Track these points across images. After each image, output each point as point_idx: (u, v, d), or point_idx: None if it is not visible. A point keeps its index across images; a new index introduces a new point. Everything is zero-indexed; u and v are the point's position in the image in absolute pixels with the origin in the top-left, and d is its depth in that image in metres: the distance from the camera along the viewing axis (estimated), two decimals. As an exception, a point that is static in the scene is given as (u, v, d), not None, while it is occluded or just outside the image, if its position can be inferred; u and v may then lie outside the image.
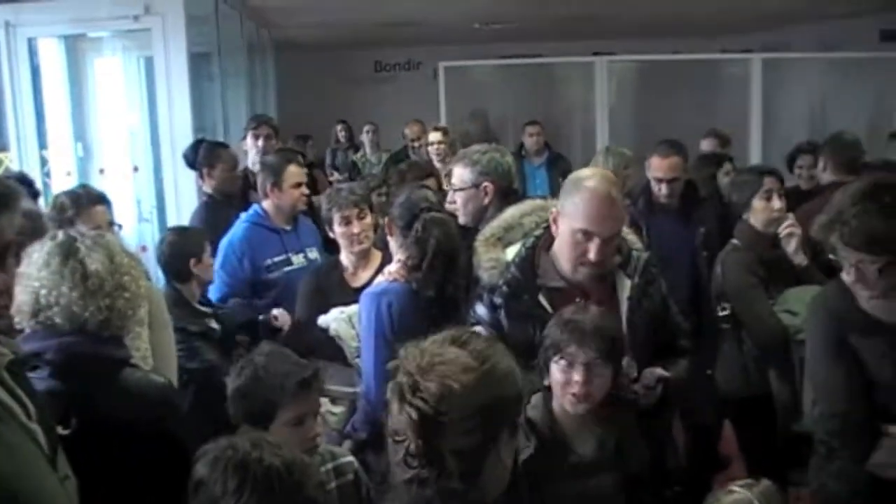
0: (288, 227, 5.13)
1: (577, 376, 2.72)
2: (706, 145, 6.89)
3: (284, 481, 2.00)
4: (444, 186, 6.34)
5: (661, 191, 5.16)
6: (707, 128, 8.19)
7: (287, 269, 5.00)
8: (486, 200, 4.07)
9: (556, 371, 2.77)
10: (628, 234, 3.31)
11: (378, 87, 14.50)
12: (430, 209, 3.68)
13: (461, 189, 4.11)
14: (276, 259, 5.00)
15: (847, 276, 2.92)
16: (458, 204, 4.13)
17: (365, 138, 10.65)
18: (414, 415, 1.85)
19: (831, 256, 2.98)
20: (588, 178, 3.08)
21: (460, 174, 4.13)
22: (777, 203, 4.31)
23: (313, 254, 5.16)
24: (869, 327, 2.93)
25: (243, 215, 5.12)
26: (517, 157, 8.24)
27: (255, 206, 5.16)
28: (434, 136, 7.61)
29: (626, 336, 3.02)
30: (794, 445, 3.67)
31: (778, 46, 12.72)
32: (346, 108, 12.42)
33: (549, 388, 2.83)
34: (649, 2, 10.13)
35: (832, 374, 2.97)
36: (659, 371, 2.95)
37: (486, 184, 4.08)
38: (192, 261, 4.31)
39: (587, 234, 2.95)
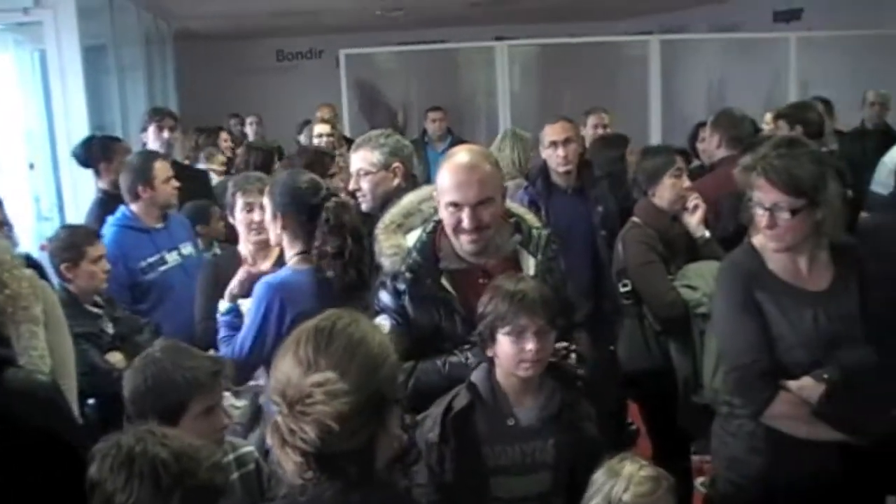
0: (159, 226, 4.97)
1: (530, 345, 2.74)
2: (593, 120, 6.93)
3: (172, 469, 1.97)
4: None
5: (558, 154, 5.17)
6: (610, 109, 8.30)
7: (162, 268, 4.86)
8: (396, 182, 4.03)
9: (507, 343, 2.78)
10: (527, 214, 3.33)
11: (281, 77, 14.34)
12: (331, 194, 3.64)
13: (370, 172, 4.05)
14: (151, 260, 4.84)
15: (759, 222, 2.99)
16: (365, 188, 4.06)
17: (249, 130, 10.28)
18: (297, 457, 1.84)
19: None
20: (452, 153, 3.11)
21: (367, 157, 4.06)
22: (685, 181, 4.38)
23: (187, 249, 5.03)
24: (774, 286, 3.02)
25: (110, 219, 4.94)
26: (420, 144, 8.26)
27: (121, 209, 4.96)
28: (322, 128, 7.51)
29: None
30: (695, 416, 3.73)
31: (676, 28, 12.94)
32: (248, 99, 12.24)
33: (490, 360, 2.84)
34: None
35: (737, 328, 3.03)
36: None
37: (396, 164, 4.04)
38: (65, 265, 4.15)
39: (456, 205, 2.96)
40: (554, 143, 5.18)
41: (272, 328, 3.43)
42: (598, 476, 2.65)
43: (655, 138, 8.96)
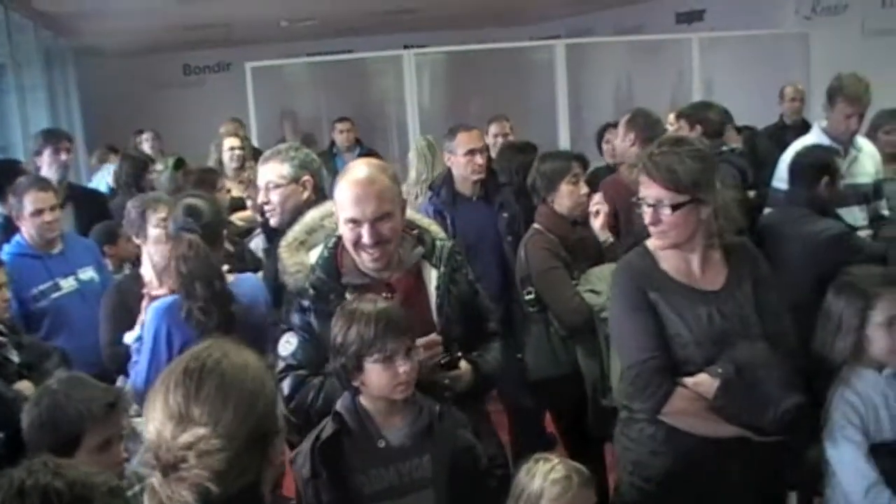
0: (55, 251, 4.83)
1: (402, 367, 2.70)
2: (495, 129, 6.95)
3: (65, 499, 1.91)
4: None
5: (476, 161, 5.20)
6: (519, 114, 8.35)
7: (55, 295, 4.71)
8: (306, 195, 3.98)
9: (377, 370, 2.72)
10: (431, 225, 3.34)
11: (188, 91, 14.19)
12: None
13: (280, 185, 3.99)
14: (42, 287, 4.69)
15: (644, 218, 3.03)
16: (275, 202, 4.00)
17: (146, 146, 10.01)
18: None
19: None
20: (349, 168, 3.09)
21: (277, 170, 4.00)
22: (584, 188, 4.42)
23: (87, 274, 4.89)
24: (668, 286, 3.05)
25: (6, 247, 4.80)
26: (329, 155, 8.22)
27: (17, 235, 4.82)
28: (232, 142, 7.40)
29: (437, 324, 3.06)
30: (605, 419, 3.75)
31: (582, 32, 13.11)
32: (155, 115, 12.04)
33: (355, 388, 2.80)
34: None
35: (632, 327, 3.06)
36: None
37: (305, 178, 4.00)
38: None
39: (355, 221, 2.94)
40: (472, 151, 5.20)
41: (163, 354, 3.41)
42: (517, 479, 2.68)
43: (564, 142, 9.06)
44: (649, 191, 2.99)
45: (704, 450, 3.00)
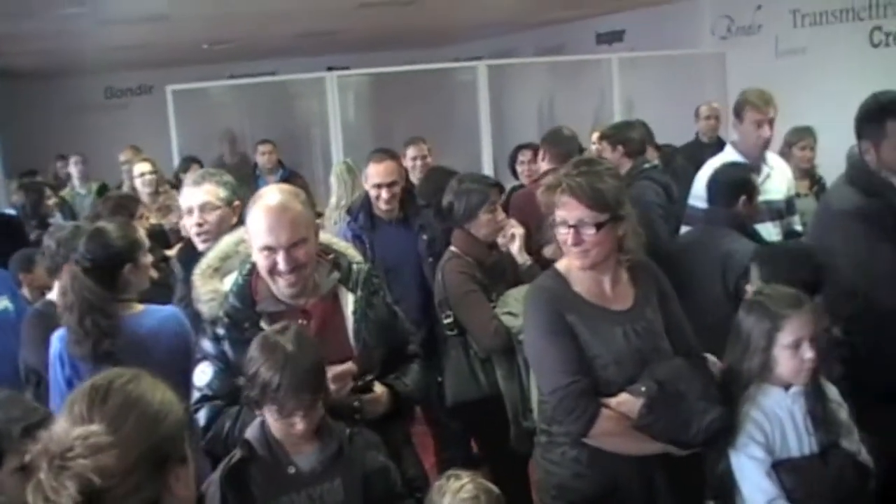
0: None
1: (299, 425, 2.67)
2: (412, 152, 6.97)
3: None
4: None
5: (382, 197, 5.18)
6: (443, 135, 8.40)
7: None
8: (234, 220, 3.94)
9: (274, 420, 2.71)
10: (347, 249, 3.32)
11: (110, 114, 13.99)
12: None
13: (218, 207, 3.95)
14: None
15: (563, 241, 3.05)
16: (212, 223, 3.94)
17: (73, 170, 9.74)
18: None
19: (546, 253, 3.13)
20: (260, 195, 3.07)
21: (215, 192, 3.96)
22: (501, 214, 4.44)
23: (2, 303, 4.80)
24: (582, 308, 3.07)
25: None
26: (252, 177, 8.17)
27: None
28: (143, 167, 7.24)
29: (355, 348, 3.05)
30: (527, 440, 3.76)
31: (505, 52, 13.22)
32: (76, 138, 11.85)
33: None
34: (381, 15, 10.25)
35: (553, 351, 3.06)
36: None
37: (237, 202, 3.97)
38: None
39: (270, 249, 2.92)
40: (378, 186, 5.19)
41: (61, 382, 3.41)
42: (429, 496, 2.72)
43: (487, 162, 9.13)
44: (571, 211, 3.01)
45: (629, 469, 3.03)
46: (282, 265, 2.92)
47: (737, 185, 4.70)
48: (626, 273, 3.18)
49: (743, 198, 4.65)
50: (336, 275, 3.12)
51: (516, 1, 9.97)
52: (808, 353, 2.97)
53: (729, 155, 5.39)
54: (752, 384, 3.06)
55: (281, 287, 2.99)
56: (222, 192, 3.98)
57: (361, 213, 5.25)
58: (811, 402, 3.03)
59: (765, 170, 5.35)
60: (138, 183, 7.13)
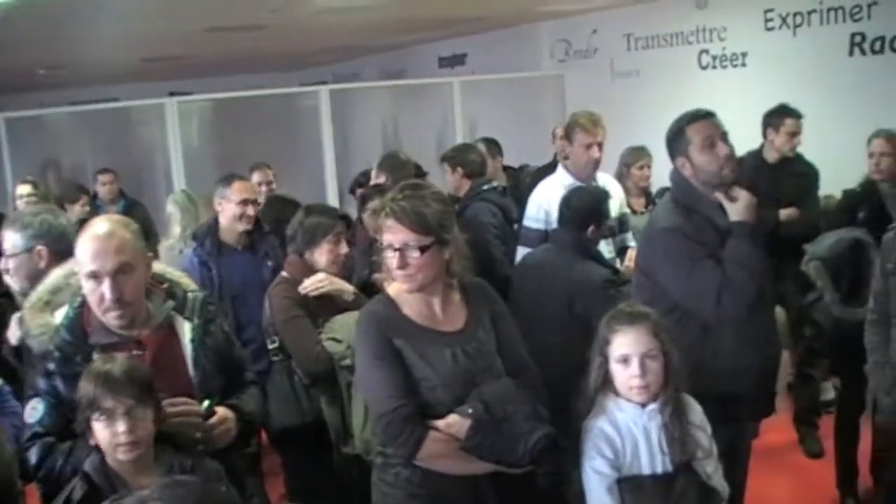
0: None
1: (121, 427, 2.64)
2: (257, 177, 6.95)
3: None
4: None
5: (247, 214, 5.21)
6: (288, 160, 8.37)
7: None
8: (43, 265, 3.80)
9: (100, 429, 2.68)
10: (181, 278, 3.29)
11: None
12: None
13: (14, 255, 3.82)
14: None
15: (390, 264, 3.07)
16: (11, 269, 3.82)
17: None
18: None
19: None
20: (88, 224, 3.04)
21: (11, 239, 3.82)
22: (344, 248, 4.44)
23: None
24: (411, 331, 3.10)
25: None
26: (93, 208, 7.95)
27: None
28: (23, 189, 7.07)
29: (194, 377, 3.03)
30: (349, 467, 3.77)
31: (349, 77, 13.28)
32: None
33: (97, 447, 2.74)
34: (227, 40, 10.16)
35: (380, 376, 3.07)
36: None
37: (39, 248, 3.82)
38: None
39: (95, 275, 2.89)
40: (245, 201, 5.20)
41: None
42: None
43: (332, 187, 9.14)
44: (396, 235, 3.04)
45: (461, 488, 3.06)
46: (107, 293, 2.87)
47: (589, 212, 4.76)
48: (458, 294, 3.23)
49: (592, 227, 4.74)
50: (171, 304, 3.10)
51: (360, 26, 10.02)
52: (633, 371, 3.03)
53: (560, 176, 5.55)
54: (600, 397, 3.13)
55: (108, 320, 2.95)
56: (18, 240, 3.81)
57: (207, 239, 5.22)
58: (667, 420, 3.06)
59: None
60: (20, 203, 6.90)
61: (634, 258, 4.74)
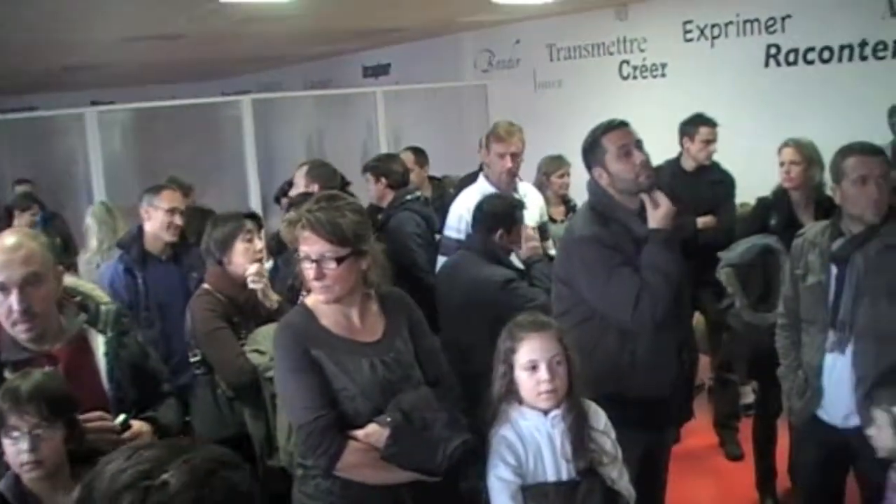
0: None
1: (23, 445, 2.60)
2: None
3: None
4: None
5: (174, 223, 5.15)
6: (211, 170, 8.30)
7: None
8: None
9: (9, 447, 2.63)
10: (94, 290, 3.27)
11: None
12: None
13: None
14: None
15: (307, 275, 3.07)
16: None
17: None
18: None
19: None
20: None
21: None
22: (258, 244, 4.43)
23: None
24: (329, 342, 3.11)
25: None
26: (8, 219, 7.80)
27: None
28: None
29: (108, 390, 3.00)
30: (275, 480, 3.74)
31: (273, 86, 13.21)
32: None
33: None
34: (146, 49, 10.05)
35: (298, 387, 3.07)
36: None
37: None
38: None
39: (2, 287, 2.86)
40: (173, 210, 5.15)
41: None
42: None
43: (255, 197, 9.08)
44: (313, 246, 3.04)
45: (381, 498, 3.06)
46: (15, 304, 2.84)
47: (497, 217, 4.85)
48: (376, 304, 3.24)
49: (501, 230, 4.81)
50: (83, 317, 3.06)
51: (283, 36, 9.99)
52: (542, 376, 3.06)
53: (481, 185, 5.59)
54: (505, 405, 3.15)
55: (17, 334, 2.91)
56: None
57: (134, 247, 5.16)
58: (570, 427, 3.09)
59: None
60: None
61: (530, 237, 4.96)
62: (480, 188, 5.54)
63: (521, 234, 4.95)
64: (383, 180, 6.19)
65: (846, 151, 3.84)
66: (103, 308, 3.14)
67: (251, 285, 4.31)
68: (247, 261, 4.34)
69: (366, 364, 3.09)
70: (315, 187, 5.51)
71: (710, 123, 6.29)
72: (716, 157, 6.36)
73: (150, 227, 5.22)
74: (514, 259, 4.95)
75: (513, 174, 5.57)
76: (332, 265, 3.04)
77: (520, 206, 5.11)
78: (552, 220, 6.30)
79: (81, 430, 2.77)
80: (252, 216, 4.62)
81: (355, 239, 3.06)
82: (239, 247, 4.35)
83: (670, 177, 6.16)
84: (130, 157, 10.15)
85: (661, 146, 6.13)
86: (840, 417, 3.87)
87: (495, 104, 10.67)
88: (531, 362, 3.08)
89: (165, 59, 11.50)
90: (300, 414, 3.07)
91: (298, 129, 11.07)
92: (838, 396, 3.85)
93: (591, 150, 3.90)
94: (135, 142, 10.34)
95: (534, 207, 5.68)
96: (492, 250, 4.81)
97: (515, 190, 5.60)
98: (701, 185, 6.25)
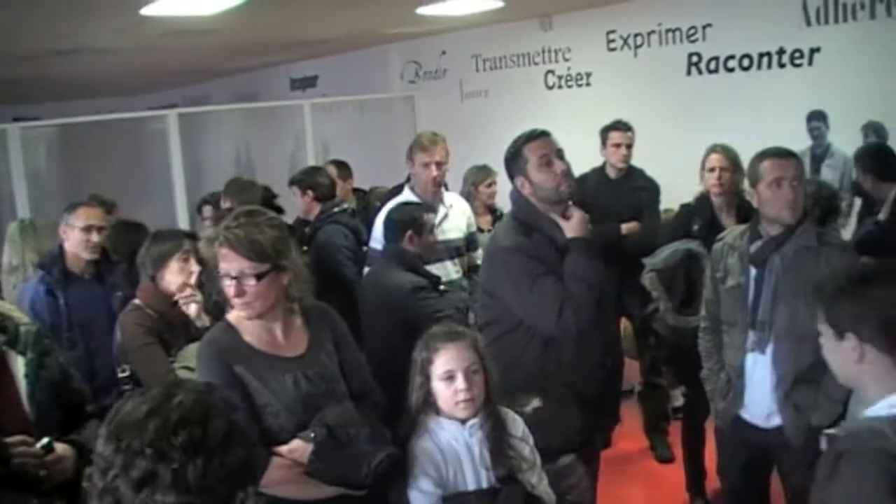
0: None
1: None
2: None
3: None
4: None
5: (92, 240, 5.07)
6: (137, 185, 8.20)
7: None
8: None
9: None
10: (13, 311, 3.21)
11: None
12: None
13: None
14: None
15: (228, 292, 3.06)
16: None
17: None
18: None
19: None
20: None
21: None
22: (194, 265, 4.38)
23: None
24: (252, 357, 3.09)
25: None
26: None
27: None
28: None
29: (30, 412, 2.95)
30: None
31: (200, 99, 13.11)
32: None
33: None
34: (70, 62, 9.90)
35: None
36: None
37: None
38: None
39: None
40: (90, 228, 5.07)
41: None
42: None
43: (182, 213, 8.98)
44: (232, 263, 3.03)
45: (305, 514, 3.06)
46: None
47: (404, 223, 4.95)
48: (300, 318, 3.23)
49: (409, 232, 4.90)
50: (2, 338, 3.01)
51: (210, 49, 9.91)
52: (460, 385, 3.07)
53: (406, 196, 5.62)
54: (422, 416, 3.16)
55: None
56: None
57: (54, 268, 5.07)
58: (488, 435, 3.11)
59: (442, 210, 5.62)
60: None
61: None
62: (405, 199, 5.57)
63: (433, 238, 5.08)
64: (310, 193, 6.19)
65: (762, 155, 3.94)
66: (23, 329, 3.09)
67: (183, 307, 4.28)
68: (180, 280, 4.30)
69: (289, 379, 3.09)
70: (228, 203, 5.49)
71: (622, 127, 6.37)
72: (639, 164, 6.45)
73: (69, 245, 5.14)
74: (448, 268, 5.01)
75: (438, 183, 5.61)
76: (252, 281, 3.03)
77: (427, 209, 5.20)
78: (480, 229, 6.33)
79: (8, 454, 2.72)
80: (192, 236, 4.59)
81: (275, 254, 3.05)
82: (174, 265, 4.31)
83: (595, 185, 6.26)
84: (55, 174, 9.99)
85: (587, 155, 6.23)
86: (762, 417, 3.95)
87: (423, 115, 10.71)
88: (448, 372, 3.10)
89: (90, 73, 11.35)
90: None
91: (226, 143, 11.00)
92: (760, 396, 3.93)
93: (514, 160, 3.94)
94: (60, 158, 10.17)
95: (461, 217, 5.72)
96: (405, 258, 4.90)
97: (441, 200, 5.64)
98: (625, 191, 6.32)
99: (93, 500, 1.77)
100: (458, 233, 5.60)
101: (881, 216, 5.61)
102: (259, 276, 3.02)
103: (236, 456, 1.72)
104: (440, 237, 5.36)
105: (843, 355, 2.38)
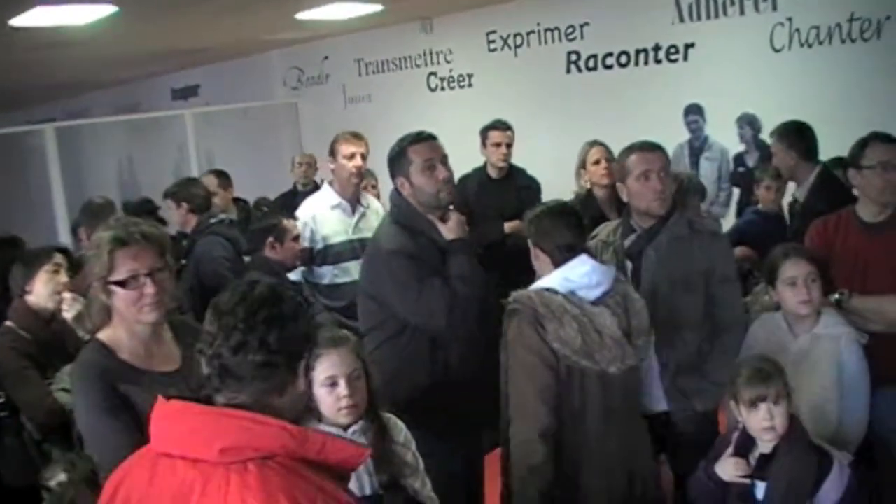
0: None
1: None
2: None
3: None
4: None
5: None
6: (16, 203, 7.99)
7: None
8: None
9: None
10: None
11: None
12: None
13: None
14: None
15: (146, 292, 2.93)
16: None
17: None
18: None
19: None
20: None
21: None
22: (63, 278, 4.28)
23: None
24: (132, 376, 2.98)
25: None
26: None
27: None
28: None
29: None
30: None
31: (80, 112, 12.81)
32: None
33: None
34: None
35: (111, 427, 2.89)
36: None
37: None
38: None
39: None
40: None
41: None
42: None
43: (63, 228, 8.77)
44: (145, 261, 2.91)
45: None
46: None
47: (264, 230, 5.16)
48: (170, 332, 3.15)
49: (270, 239, 5.07)
50: None
51: (88, 60, 9.69)
52: (342, 391, 3.05)
53: (325, 193, 5.77)
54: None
55: None
56: None
57: None
58: (371, 441, 3.07)
59: (360, 209, 5.72)
60: None
61: None
62: (325, 197, 5.69)
63: (297, 246, 5.25)
64: (184, 205, 6.13)
65: (628, 150, 4.03)
66: None
67: (65, 314, 4.19)
68: (48, 292, 4.21)
69: (173, 393, 3.01)
70: (84, 236, 5.42)
71: (501, 127, 6.43)
72: (520, 163, 6.52)
73: None
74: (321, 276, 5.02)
75: (360, 175, 5.72)
76: (166, 275, 2.96)
77: (286, 215, 5.33)
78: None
79: None
80: (64, 251, 4.49)
81: (168, 250, 3.02)
82: (42, 276, 4.25)
83: (477, 184, 6.31)
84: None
85: (469, 155, 6.28)
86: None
87: (306, 121, 10.67)
88: (330, 378, 3.07)
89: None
90: (115, 455, 2.84)
91: (108, 156, 10.81)
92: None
93: (397, 160, 3.93)
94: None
95: (376, 219, 5.71)
96: (269, 266, 5.04)
97: (359, 200, 5.73)
98: (507, 190, 6.37)
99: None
100: (371, 233, 5.61)
101: (798, 196, 5.45)
102: (164, 270, 2.96)
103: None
104: (355, 236, 5.51)
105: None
